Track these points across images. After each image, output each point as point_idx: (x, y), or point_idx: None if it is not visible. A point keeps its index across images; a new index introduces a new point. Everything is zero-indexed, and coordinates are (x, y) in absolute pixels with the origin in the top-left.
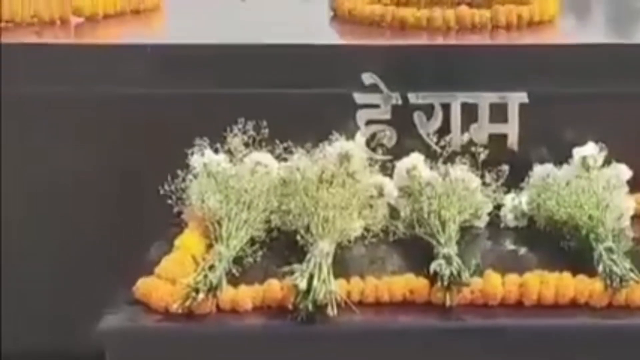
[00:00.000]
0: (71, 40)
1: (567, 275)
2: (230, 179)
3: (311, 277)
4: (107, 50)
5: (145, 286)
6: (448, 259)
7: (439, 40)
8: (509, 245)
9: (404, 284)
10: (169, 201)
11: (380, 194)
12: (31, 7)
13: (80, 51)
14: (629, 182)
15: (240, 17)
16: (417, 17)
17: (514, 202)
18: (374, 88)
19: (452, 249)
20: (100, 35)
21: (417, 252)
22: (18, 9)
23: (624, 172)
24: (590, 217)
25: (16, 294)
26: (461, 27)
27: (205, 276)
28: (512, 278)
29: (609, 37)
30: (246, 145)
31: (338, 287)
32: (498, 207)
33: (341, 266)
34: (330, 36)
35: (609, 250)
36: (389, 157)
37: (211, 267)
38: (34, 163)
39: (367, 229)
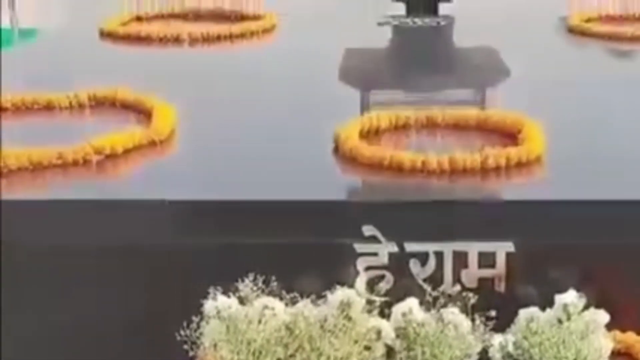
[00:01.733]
0: (95, 196)
1: None
2: (240, 322)
3: None
4: (126, 205)
5: None
6: None
7: (434, 184)
8: None
9: None
10: (185, 346)
11: (378, 336)
12: (55, 150)
13: (103, 207)
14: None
15: (247, 165)
16: (413, 161)
17: (502, 344)
18: (373, 239)
19: None
20: (120, 175)
21: None
22: (43, 154)
23: (602, 316)
24: None
25: None
26: (453, 170)
27: None
28: None
29: (589, 190)
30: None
31: None
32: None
33: None
34: (333, 185)
35: None
36: (386, 299)
37: None
38: (50, 312)
39: None
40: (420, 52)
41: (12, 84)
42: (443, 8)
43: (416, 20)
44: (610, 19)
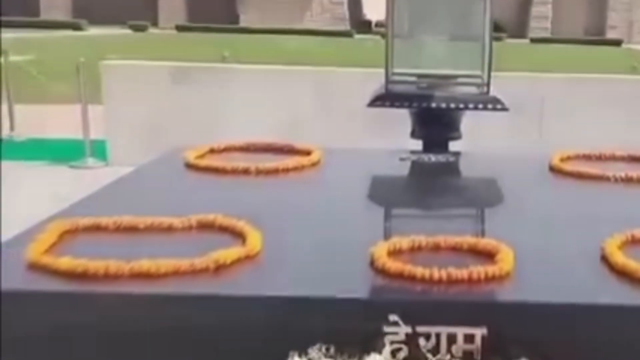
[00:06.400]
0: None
1: None
2: None
3: None
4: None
5: None
6: None
7: (435, 289)
8: None
9: None
10: None
11: None
12: (188, 261)
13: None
14: None
15: (308, 272)
16: (423, 274)
17: None
18: (395, 323)
19: None
20: (230, 279)
21: None
22: (179, 265)
23: None
24: None
25: None
26: (449, 280)
27: None
28: None
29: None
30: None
31: None
32: None
33: None
34: (371, 288)
35: None
36: None
37: None
38: None
39: None
40: (432, 180)
41: (129, 208)
42: (453, 145)
43: (430, 156)
44: (586, 157)
